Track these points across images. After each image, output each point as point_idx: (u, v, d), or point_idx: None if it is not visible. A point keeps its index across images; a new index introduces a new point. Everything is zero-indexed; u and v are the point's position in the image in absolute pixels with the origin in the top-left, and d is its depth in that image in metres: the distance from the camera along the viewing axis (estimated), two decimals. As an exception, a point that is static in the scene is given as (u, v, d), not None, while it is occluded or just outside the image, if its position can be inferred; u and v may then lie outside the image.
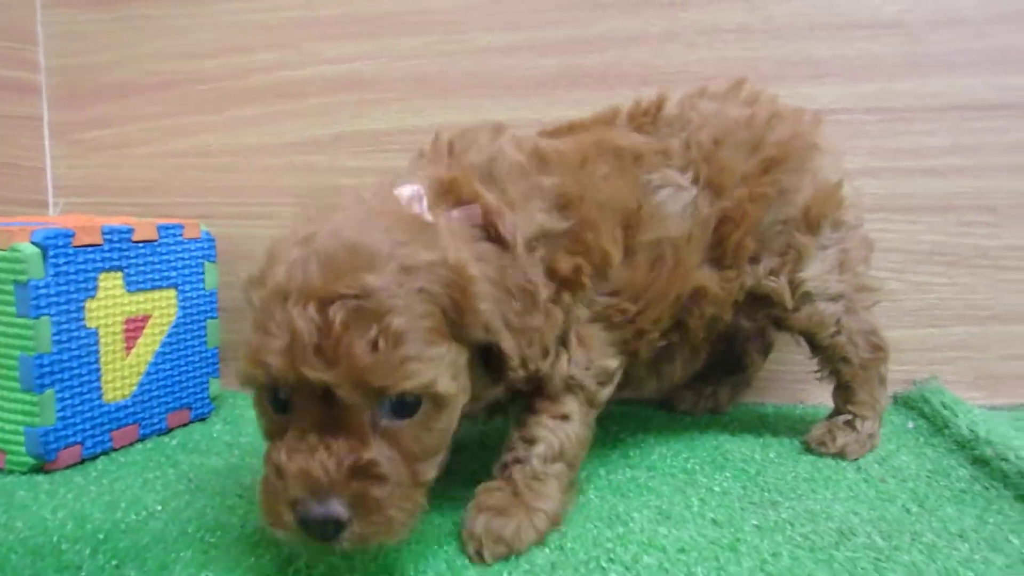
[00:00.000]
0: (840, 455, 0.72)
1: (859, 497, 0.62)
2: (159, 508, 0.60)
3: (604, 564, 0.51)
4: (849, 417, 0.74)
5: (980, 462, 0.68)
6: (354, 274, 0.44)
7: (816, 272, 0.70)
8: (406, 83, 0.91)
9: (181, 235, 0.79)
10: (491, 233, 0.54)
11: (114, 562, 0.51)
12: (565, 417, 0.60)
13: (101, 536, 0.55)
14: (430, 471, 0.49)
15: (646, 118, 0.69)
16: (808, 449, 0.73)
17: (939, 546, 0.54)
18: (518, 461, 0.58)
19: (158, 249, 0.76)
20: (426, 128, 0.89)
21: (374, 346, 0.43)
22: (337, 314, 0.43)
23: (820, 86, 0.84)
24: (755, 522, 0.58)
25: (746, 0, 0.85)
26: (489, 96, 0.89)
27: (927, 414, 0.80)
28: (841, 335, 0.72)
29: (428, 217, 0.52)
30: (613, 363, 0.63)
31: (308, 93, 0.93)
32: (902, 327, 0.86)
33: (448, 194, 0.55)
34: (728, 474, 0.68)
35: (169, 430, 0.79)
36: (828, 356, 0.74)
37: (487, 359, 0.52)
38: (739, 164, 0.68)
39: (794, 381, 0.89)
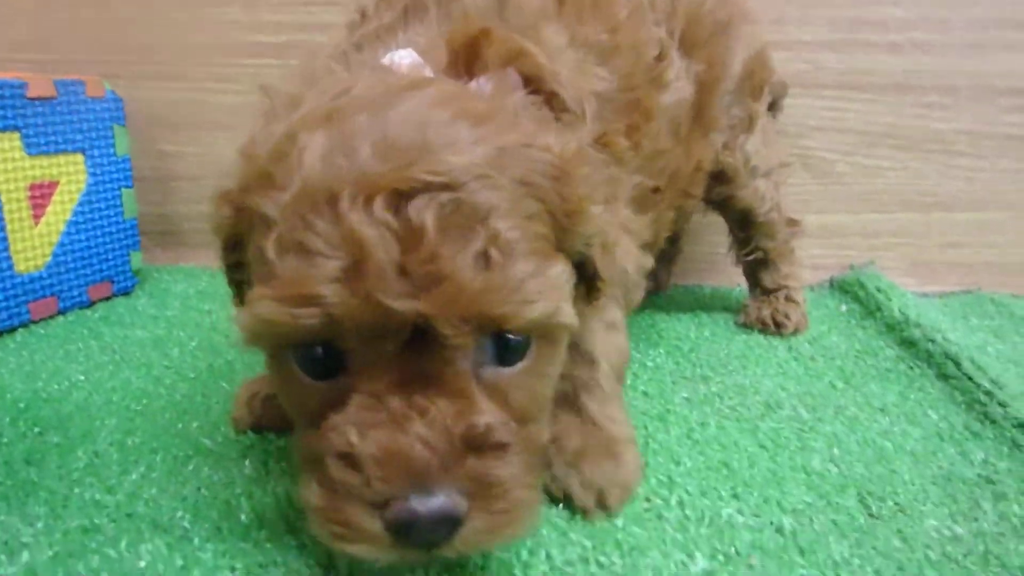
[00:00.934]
0: (795, 331, 0.78)
1: (788, 373, 0.68)
2: (82, 378, 0.62)
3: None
4: (787, 291, 0.79)
5: (907, 343, 0.74)
6: (433, 155, 0.33)
7: (756, 146, 0.73)
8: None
9: (83, 93, 0.77)
10: (548, 104, 0.44)
11: (36, 429, 0.54)
12: (613, 326, 0.54)
13: (21, 405, 0.57)
14: (543, 433, 0.40)
15: None
16: (761, 329, 0.78)
17: (860, 419, 0.60)
18: (584, 387, 0.51)
19: (58, 108, 0.74)
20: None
21: (486, 259, 0.33)
22: (426, 213, 0.32)
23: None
24: (685, 395, 0.63)
25: None
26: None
27: (860, 298, 0.86)
28: (773, 211, 0.76)
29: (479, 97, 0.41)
30: (649, 260, 0.57)
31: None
32: (846, 212, 0.91)
33: (470, 57, 0.43)
34: (662, 351, 0.73)
35: (91, 304, 0.80)
36: (761, 233, 0.78)
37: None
38: (696, 25, 0.66)
39: (733, 263, 0.94)
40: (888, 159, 0.90)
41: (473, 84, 0.42)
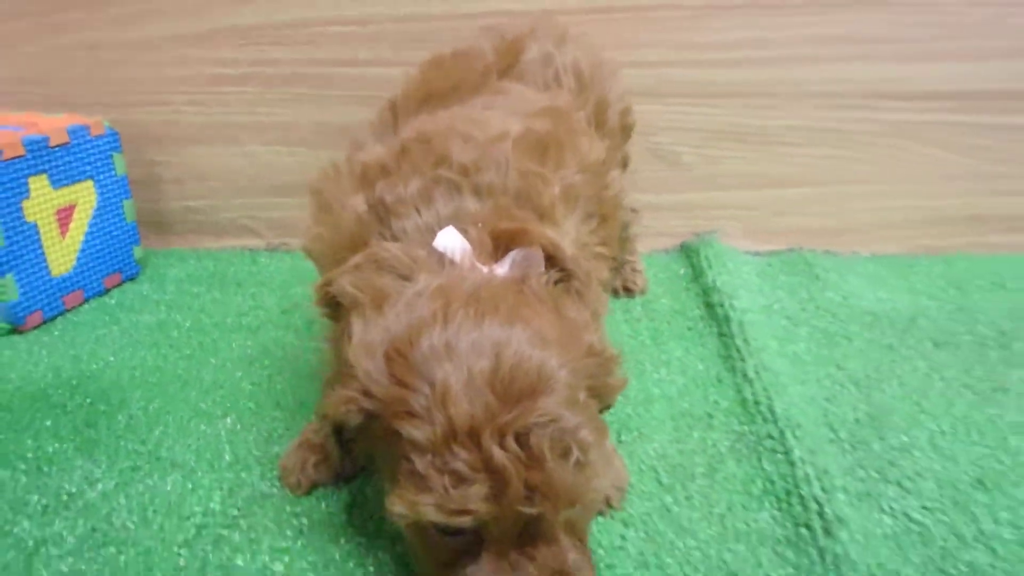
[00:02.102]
0: (642, 293, 1.03)
1: (614, 333, 0.94)
2: (112, 359, 0.89)
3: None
4: (632, 264, 1.04)
5: (709, 306, 0.99)
6: (538, 399, 0.46)
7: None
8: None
9: (89, 134, 0.99)
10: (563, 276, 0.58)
11: (88, 400, 0.81)
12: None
13: (74, 383, 0.84)
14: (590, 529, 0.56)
15: (508, 63, 0.79)
16: (615, 295, 1.04)
17: (648, 371, 0.86)
18: None
19: (72, 149, 0.97)
20: (292, 23, 1.07)
21: (578, 465, 0.46)
22: (543, 444, 0.45)
23: (633, -12, 1.04)
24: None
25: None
26: (349, -6, 1.06)
27: (694, 263, 1.11)
28: (626, 203, 0.99)
29: (499, 271, 0.55)
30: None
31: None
32: (694, 191, 1.15)
33: (507, 241, 0.57)
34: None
35: (107, 291, 1.06)
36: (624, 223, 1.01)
37: None
38: (602, 106, 0.83)
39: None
40: (726, 150, 1.12)
41: (508, 259, 0.55)
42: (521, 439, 0.45)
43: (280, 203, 1.17)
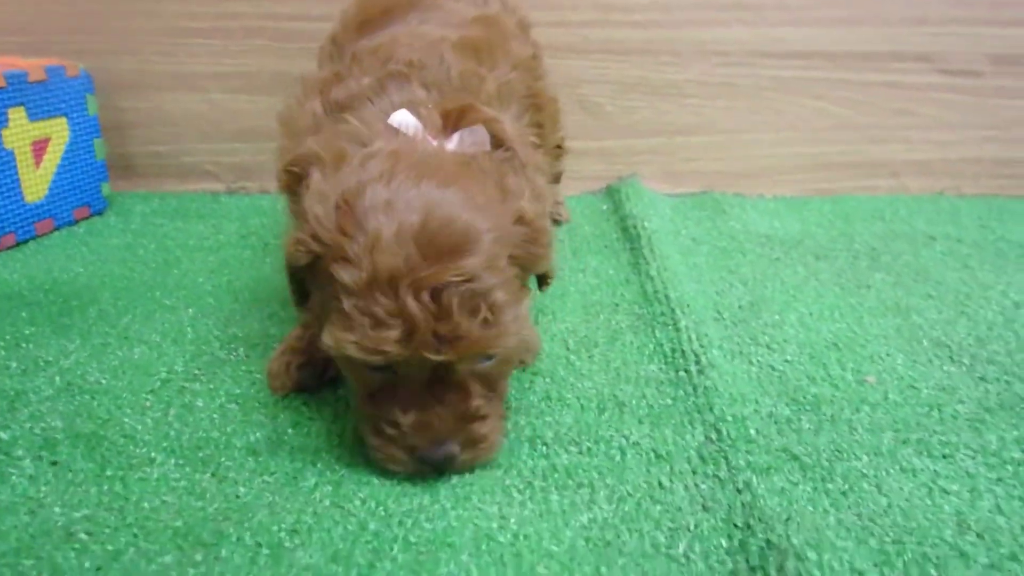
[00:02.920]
0: (566, 222, 1.13)
1: None
2: (81, 271, 0.95)
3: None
4: (557, 195, 1.13)
5: (624, 229, 1.09)
6: (457, 259, 0.50)
7: None
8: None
9: (65, 74, 1.05)
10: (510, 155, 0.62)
11: (61, 298, 0.87)
12: None
13: (47, 287, 0.90)
14: (507, 388, 0.62)
15: None
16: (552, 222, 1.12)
17: (568, 276, 0.95)
18: None
19: (48, 86, 1.03)
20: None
21: (485, 323, 0.51)
22: (452, 300, 0.50)
23: (556, -46, 1.14)
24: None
25: None
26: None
27: (616, 199, 1.20)
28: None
29: (468, 156, 0.59)
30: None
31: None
32: (614, 138, 1.25)
33: (458, 122, 0.61)
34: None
35: (76, 221, 1.11)
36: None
37: None
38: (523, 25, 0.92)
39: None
40: (640, 101, 1.23)
41: (456, 136, 0.60)
42: (434, 293, 0.50)
43: (241, 148, 1.24)
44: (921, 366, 0.74)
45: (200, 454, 0.60)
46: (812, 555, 0.49)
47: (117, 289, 0.89)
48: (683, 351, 0.75)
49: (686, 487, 0.57)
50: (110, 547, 0.50)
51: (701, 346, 0.75)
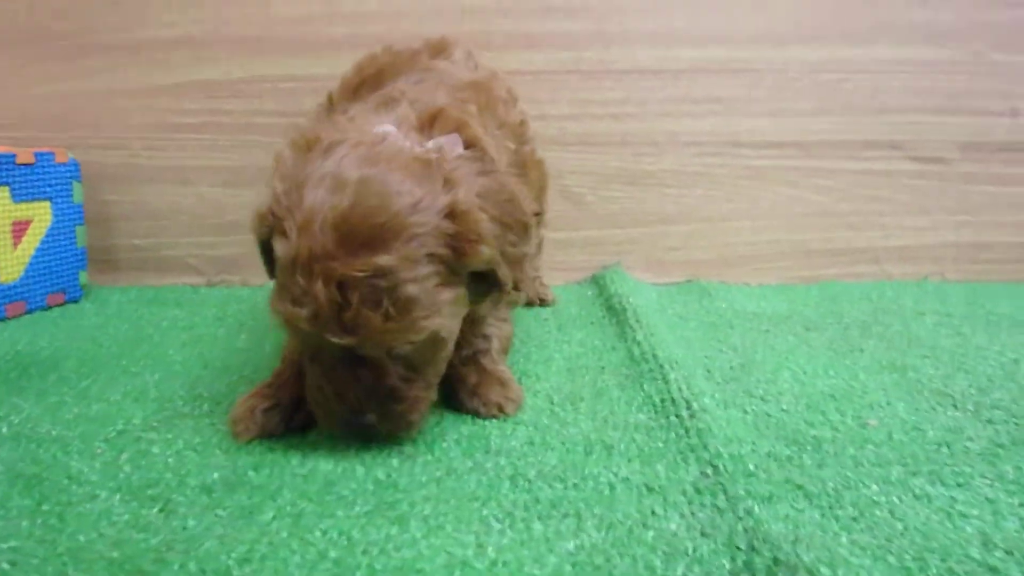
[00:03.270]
0: (553, 303, 1.12)
1: (528, 328, 1.01)
2: (45, 345, 0.92)
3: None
4: (539, 278, 1.13)
5: (609, 307, 1.08)
6: (368, 255, 0.53)
7: None
8: (231, 44, 1.20)
9: (54, 160, 1.08)
10: (479, 156, 0.64)
11: (21, 365, 0.83)
12: (504, 319, 0.80)
13: (8, 357, 0.86)
14: (439, 374, 0.64)
15: (436, 53, 0.86)
16: (528, 305, 1.12)
17: (551, 345, 0.93)
18: (480, 352, 0.74)
19: (36, 170, 1.05)
20: (248, 79, 1.20)
21: (387, 316, 0.54)
22: (354, 294, 0.53)
23: (535, 53, 1.21)
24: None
25: (483, -12, 1.20)
26: (294, 56, 1.20)
27: (600, 284, 1.20)
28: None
29: (430, 154, 0.60)
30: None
31: (151, 49, 1.21)
32: (596, 229, 1.27)
33: (432, 125, 0.65)
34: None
35: (48, 307, 1.09)
36: None
37: (479, 276, 0.61)
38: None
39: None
40: (620, 191, 1.26)
41: (432, 142, 0.63)
42: (341, 284, 0.53)
43: (224, 241, 1.24)
44: (924, 412, 0.71)
45: (149, 492, 0.55)
46: (826, 571, 0.44)
47: (82, 360, 0.86)
48: (673, 399, 0.72)
49: (681, 515, 0.52)
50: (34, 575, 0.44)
51: (692, 395, 0.72)
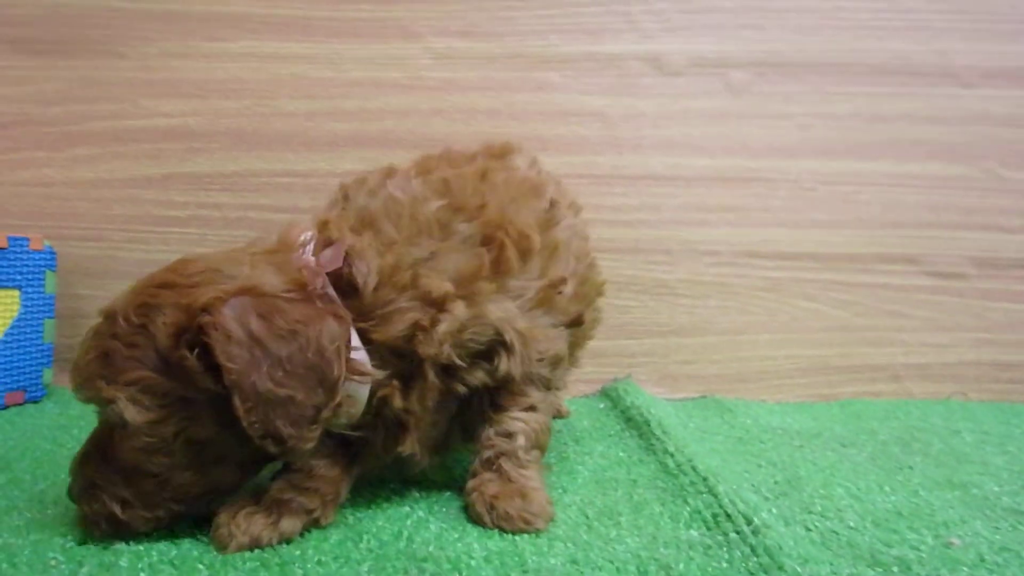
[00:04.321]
0: (565, 417, 1.05)
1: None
2: None
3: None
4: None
5: (627, 419, 1.01)
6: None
7: None
8: (227, 136, 1.19)
9: (28, 247, 1.01)
10: (345, 276, 0.59)
11: (-33, 467, 0.73)
12: (532, 408, 0.69)
13: (-46, 456, 0.76)
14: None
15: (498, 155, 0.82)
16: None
17: (573, 458, 0.85)
18: (503, 454, 0.66)
19: (7, 255, 0.98)
20: (242, 172, 1.17)
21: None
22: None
23: (546, 156, 1.20)
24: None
25: (494, 91, 1.21)
26: (293, 151, 1.19)
27: (612, 397, 1.14)
28: None
29: (309, 260, 0.59)
30: (563, 347, 0.71)
31: (141, 139, 1.19)
32: (607, 339, 1.22)
33: (322, 236, 0.61)
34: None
35: (5, 407, 0.99)
36: None
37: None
38: None
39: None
40: (632, 300, 1.22)
41: (324, 253, 0.59)
42: None
43: (205, 340, 1.16)
44: (1007, 531, 0.64)
45: (117, 613, 0.45)
46: None
47: (39, 460, 0.76)
48: (727, 514, 0.64)
49: (777, 647, 0.43)
50: None
51: (748, 510, 0.64)
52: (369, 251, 0.60)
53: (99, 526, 0.55)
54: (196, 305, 0.52)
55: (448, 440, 0.69)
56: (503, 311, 0.65)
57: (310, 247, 0.59)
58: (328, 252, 0.59)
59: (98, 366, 0.54)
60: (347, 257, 0.59)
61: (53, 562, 0.52)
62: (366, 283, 0.58)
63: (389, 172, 0.71)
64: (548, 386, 0.71)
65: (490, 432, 0.67)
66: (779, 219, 1.22)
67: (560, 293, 0.70)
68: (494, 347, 0.65)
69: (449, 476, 0.75)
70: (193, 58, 1.20)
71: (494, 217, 0.66)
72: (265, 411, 0.51)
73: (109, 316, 0.55)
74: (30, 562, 0.52)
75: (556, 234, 0.73)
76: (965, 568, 0.56)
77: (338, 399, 0.54)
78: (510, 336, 0.65)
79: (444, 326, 0.60)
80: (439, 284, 0.61)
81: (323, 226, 0.62)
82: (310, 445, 0.53)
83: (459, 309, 0.61)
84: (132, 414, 0.53)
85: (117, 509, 0.54)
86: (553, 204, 0.75)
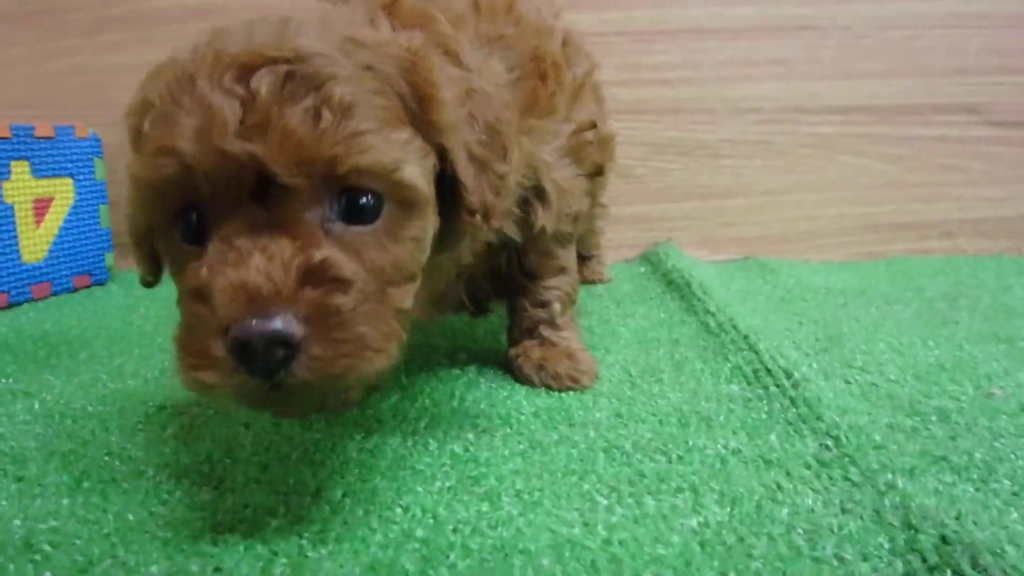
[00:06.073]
0: (607, 282, 1.06)
1: (584, 300, 0.95)
2: (75, 324, 0.87)
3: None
4: (598, 257, 1.07)
5: (668, 281, 1.02)
6: (282, 38, 0.38)
7: None
8: (250, 11, 1.15)
9: (73, 135, 1.03)
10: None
11: (50, 345, 0.78)
12: (563, 271, 0.67)
13: (37, 335, 0.82)
14: (404, 297, 0.41)
15: None
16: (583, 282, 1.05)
17: (612, 320, 0.87)
18: (541, 322, 0.66)
19: (56, 144, 1.00)
20: (276, 48, 1.15)
21: (316, 115, 0.36)
22: (263, 81, 0.36)
23: (580, 13, 1.14)
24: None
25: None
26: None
27: (653, 261, 1.14)
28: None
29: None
30: (586, 204, 0.66)
31: (167, 20, 1.16)
32: (647, 203, 1.21)
33: (385, 14, 0.48)
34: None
35: (75, 290, 1.04)
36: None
37: (443, 207, 0.45)
38: None
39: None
40: (673, 163, 1.20)
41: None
42: (245, 77, 0.36)
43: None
44: (1051, 380, 0.64)
45: (200, 468, 0.49)
46: (1011, 550, 0.38)
47: (113, 338, 0.81)
48: (768, 369, 0.65)
49: (814, 490, 0.46)
50: (79, 558, 0.39)
51: (789, 365, 0.66)
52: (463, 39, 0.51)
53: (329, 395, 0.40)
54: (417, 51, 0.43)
55: (453, 301, 0.65)
56: (548, 155, 0.58)
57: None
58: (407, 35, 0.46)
59: (347, 121, 0.37)
60: (439, 40, 0.48)
61: (140, 426, 0.56)
62: (475, 69, 0.49)
63: None
64: (571, 241, 0.68)
65: (525, 303, 0.66)
66: (829, 71, 1.16)
67: (590, 142, 0.64)
68: (527, 198, 0.58)
69: (497, 342, 0.77)
70: (213, -71, 1.15)
71: (532, 44, 0.58)
72: (481, 180, 0.45)
73: (301, 57, 0.38)
74: (120, 426, 0.56)
75: (577, 73, 0.66)
76: (1005, 416, 0.56)
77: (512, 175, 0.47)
78: (549, 186, 0.58)
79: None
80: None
81: (393, 5, 0.49)
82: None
83: (524, 143, 0.53)
84: (418, 174, 0.40)
85: (367, 329, 0.37)
86: (566, 43, 0.67)
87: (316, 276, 0.36)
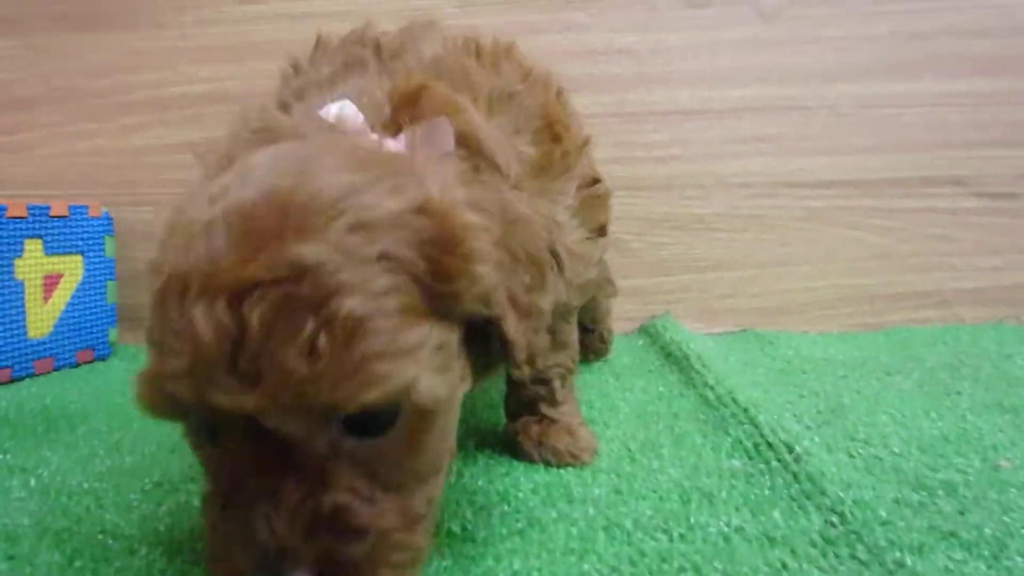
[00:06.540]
0: (607, 357, 1.04)
1: (585, 378, 0.94)
2: (75, 399, 0.86)
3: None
4: (601, 334, 1.06)
5: (667, 354, 1.01)
6: (279, 247, 0.32)
7: None
8: (264, 97, 1.18)
9: (87, 214, 1.04)
10: (473, 161, 0.43)
11: (50, 419, 0.77)
12: (563, 345, 0.64)
13: (36, 411, 0.80)
14: (428, 499, 0.37)
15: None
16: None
17: (610, 393, 0.86)
18: (540, 399, 0.65)
19: (69, 223, 1.01)
20: (284, 130, 1.18)
21: (311, 349, 0.31)
22: (253, 311, 0.31)
23: (576, 97, 1.17)
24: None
25: (521, 35, 1.17)
26: (333, 105, 1.18)
27: (651, 334, 1.13)
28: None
29: (392, 145, 0.42)
30: (594, 272, 0.63)
31: (184, 105, 1.20)
32: (644, 276, 1.21)
33: (408, 107, 0.43)
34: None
35: (77, 364, 1.03)
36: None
37: (475, 339, 0.40)
38: None
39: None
40: (667, 237, 1.20)
41: (400, 136, 0.42)
42: (234, 299, 0.31)
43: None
44: (1057, 452, 0.63)
45: (194, 546, 0.47)
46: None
47: (113, 413, 0.80)
48: (769, 443, 0.64)
49: (820, 569, 0.44)
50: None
51: (790, 438, 0.64)
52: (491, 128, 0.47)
53: None
54: (432, 204, 0.37)
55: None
56: (560, 215, 0.54)
57: (362, 126, 0.44)
58: (428, 127, 0.43)
59: (353, 346, 0.32)
60: (465, 134, 0.44)
61: (135, 503, 0.55)
62: (509, 171, 0.46)
63: (378, 32, 0.55)
64: (574, 314, 0.65)
65: (524, 379, 0.57)
66: (816, 147, 1.18)
67: (597, 197, 0.62)
68: None
69: (496, 416, 0.76)
70: (227, 23, 1.20)
71: (540, 100, 0.55)
72: (526, 327, 0.40)
73: (299, 275, 0.32)
74: (115, 503, 0.55)
75: (578, 131, 0.64)
76: (1014, 489, 0.55)
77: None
78: (562, 251, 0.51)
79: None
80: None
81: (415, 93, 0.44)
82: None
83: (542, 206, 0.49)
84: (436, 385, 0.35)
85: (389, 572, 0.34)
86: (559, 93, 0.65)
87: (328, 525, 0.32)
